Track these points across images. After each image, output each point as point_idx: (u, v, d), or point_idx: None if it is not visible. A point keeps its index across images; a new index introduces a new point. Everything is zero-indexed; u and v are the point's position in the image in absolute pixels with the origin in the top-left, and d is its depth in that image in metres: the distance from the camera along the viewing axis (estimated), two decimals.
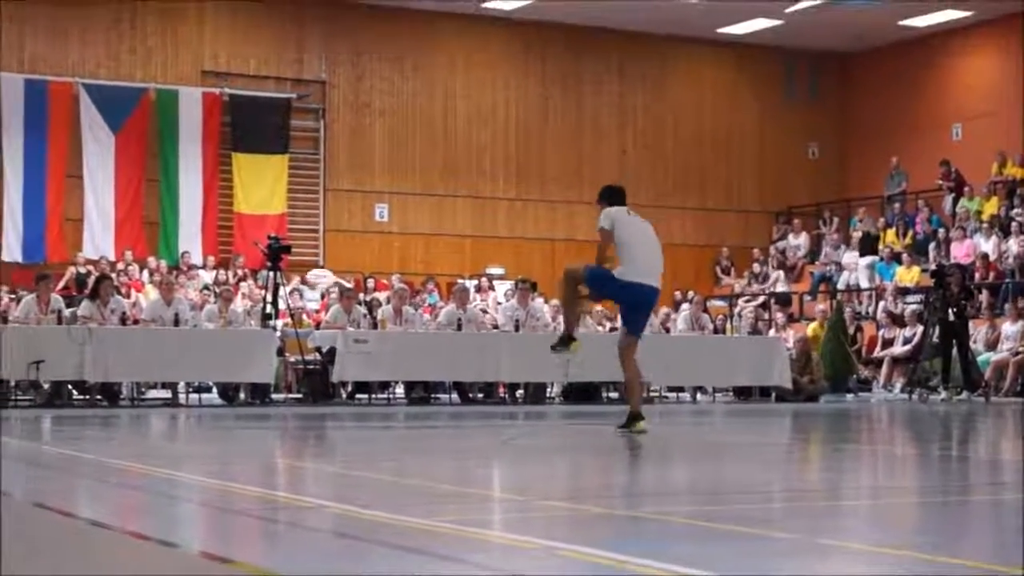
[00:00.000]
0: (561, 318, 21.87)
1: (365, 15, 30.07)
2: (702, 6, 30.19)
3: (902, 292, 27.41)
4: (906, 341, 25.11)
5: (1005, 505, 6.90)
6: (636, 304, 12.34)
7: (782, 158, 33.99)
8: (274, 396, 20.07)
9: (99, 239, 27.31)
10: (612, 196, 12.45)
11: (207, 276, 26.74)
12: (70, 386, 18.84)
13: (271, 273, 20.32)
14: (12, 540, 5.31)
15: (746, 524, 5.85)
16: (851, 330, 26.08)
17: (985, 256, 26.99)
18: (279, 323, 20.68)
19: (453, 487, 7.80)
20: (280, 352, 20.07)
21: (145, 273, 26.53)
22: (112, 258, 26.62)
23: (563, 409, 19.28)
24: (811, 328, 25.73)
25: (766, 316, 28.51)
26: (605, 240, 12.12)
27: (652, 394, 21.77)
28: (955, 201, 29.86)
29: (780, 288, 30.86)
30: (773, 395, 22.07)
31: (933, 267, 24.39)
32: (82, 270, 25.77)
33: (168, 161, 28.07)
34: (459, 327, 20.25)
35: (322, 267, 28.95)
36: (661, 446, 11.27)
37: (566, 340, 12.49)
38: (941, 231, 29.04)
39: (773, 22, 31.47)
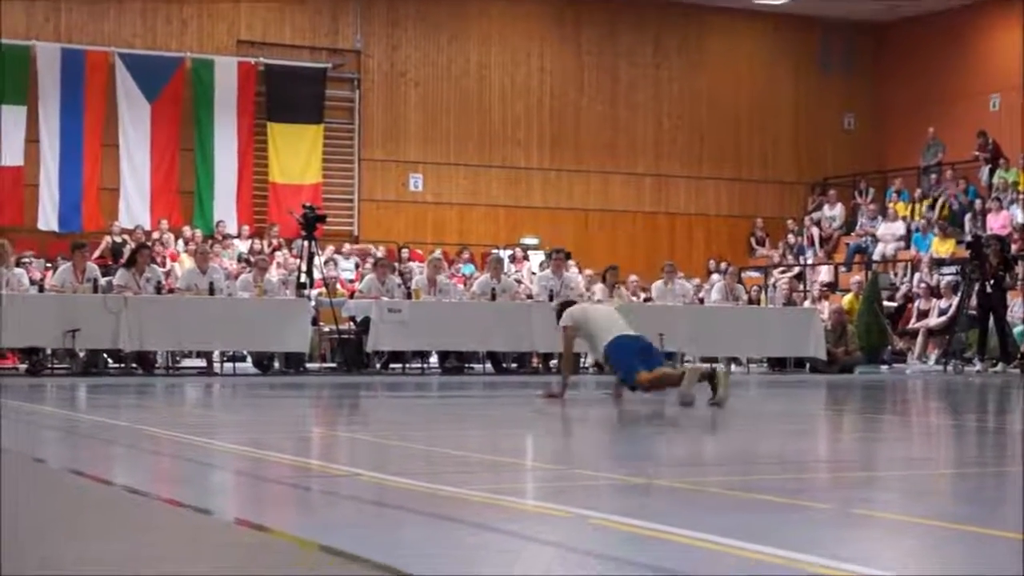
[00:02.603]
0: (594, 288, 21.90)
1: None
2: None
3: (937, 263, 27.29)
4: (941, 312, 25.01)
5: None
6: (636, 347, 12.58)
7: (817, 129, 33.84)
8: (308, 365, 20.14)
9: (135, 208, 27.39)
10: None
11: (242, 245, 26.80)
12: (106, 355, 18.94)
13: (306, 242, 20.36)
14: (49, 507, 5.34)
15: (781, 495, 5.84)
16: (900, 302, 26.11)
17: (1022, 227, 26.83)
18: (314, 292, 20.72)
19: (486, 456, 7.81)
20: (314, 321, 20.12)
21: (180, 242, 26.60)
22: (148, 227, 26.69)
23: (597, 379, 19.27)
24: (846, 300, 25.66)
25: (800, 287, 28.45)
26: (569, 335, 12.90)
27: (687, 364, 21.76)
28: (991, 172, 29.68)
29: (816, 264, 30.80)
30: (807, 366, 22.03)
31: (969, 238, 24.25)
32: (118, 239, 25.85)
33: (203, 131, 28.12)
34: (493, 297, 20.25)
35: (356, 236, 29.00)
36: (695, 416, 11.25)
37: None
38: (977, 202, 28.88)
39: None
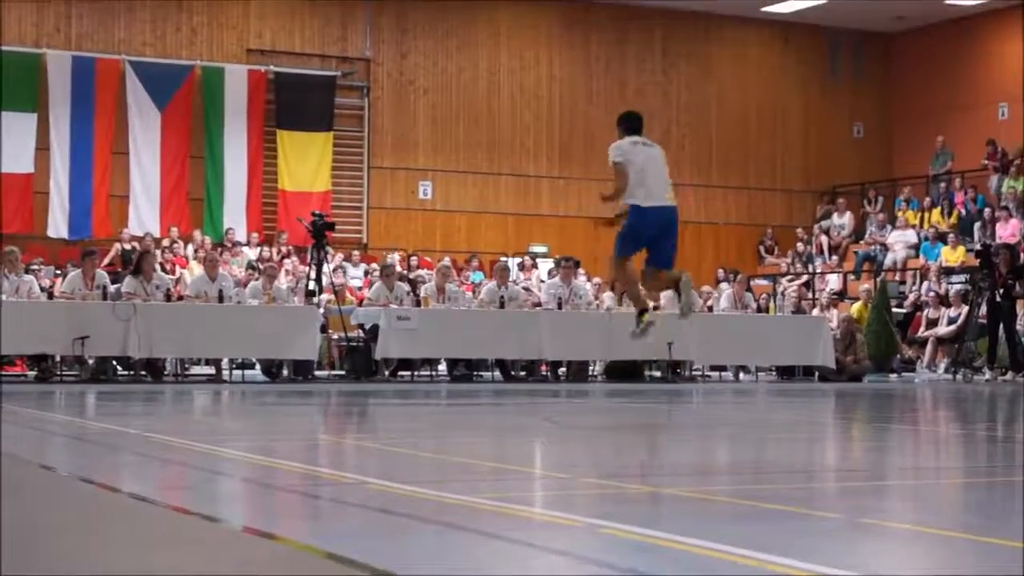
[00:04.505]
0: (603, 296, 21.93)
1: None
2: None
3: (946, 272, 27.26)
4: (951, 321, 24.97)
5: None
6: (658, 226, 12.33)
7: (827, 137, 33.83)
8: (317, 373, 20.14)
9: (144, 216, 27.42)
10: (629, 123, 12.76)
11: (251, 253, 26.81)
12: (115, 362, 18.95)
13: (315, 250, 20.38)
14: (56, 513, 5.34)
15: (790, 504, 5.84)
16: (909, 310, 26.09)
17: None
18: (324, 297, 20.74)
19: (495, 464, 7.80)
20: (323, 329, 20.13)
21: (190, 249, 26.62)
22: (157, 235, 26.72)
23: (605, 387, 19.29)
24: (855, 308, 25.63)
25: (809, 295, 28.43)
26: (619, 172, 12.26)
27: (695, 372, 21.75)
28: (1001, 181, 29.66)
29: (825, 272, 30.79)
30: (816, 374, 22.01)
31: (978, 247, 24.21)
32: (127, 246, 25.88)
33: (213, 138, 28.15)
34: (502, 305, 20.25)
35: (365, 244, 29.01)
36: (704, 425, 11.26)
37: (639, 316, 12.57)
38: (987, 211, 28.87)
39: (818, 1, 31.27)
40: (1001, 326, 22.03)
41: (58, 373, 18.55)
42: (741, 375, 22.49)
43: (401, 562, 4.24)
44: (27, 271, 20.35)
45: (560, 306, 20.47)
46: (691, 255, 31.66)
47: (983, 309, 22.65)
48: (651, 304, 12.65)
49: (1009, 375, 21.82)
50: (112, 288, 19.04)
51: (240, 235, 27.69)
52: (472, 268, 27.74)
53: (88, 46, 27.47)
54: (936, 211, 30.39)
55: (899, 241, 29.96)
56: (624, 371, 20.87)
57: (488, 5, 30.79)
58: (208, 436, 9.80)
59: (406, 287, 21.02)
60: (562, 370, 20.94)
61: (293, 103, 28.67)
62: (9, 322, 17.04)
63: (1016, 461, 8.53)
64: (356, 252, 28.00)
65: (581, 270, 24.78)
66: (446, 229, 30.35)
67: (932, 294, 26.02)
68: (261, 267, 22.79)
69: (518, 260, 27.94)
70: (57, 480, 6.74)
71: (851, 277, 30.11)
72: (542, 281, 25.57)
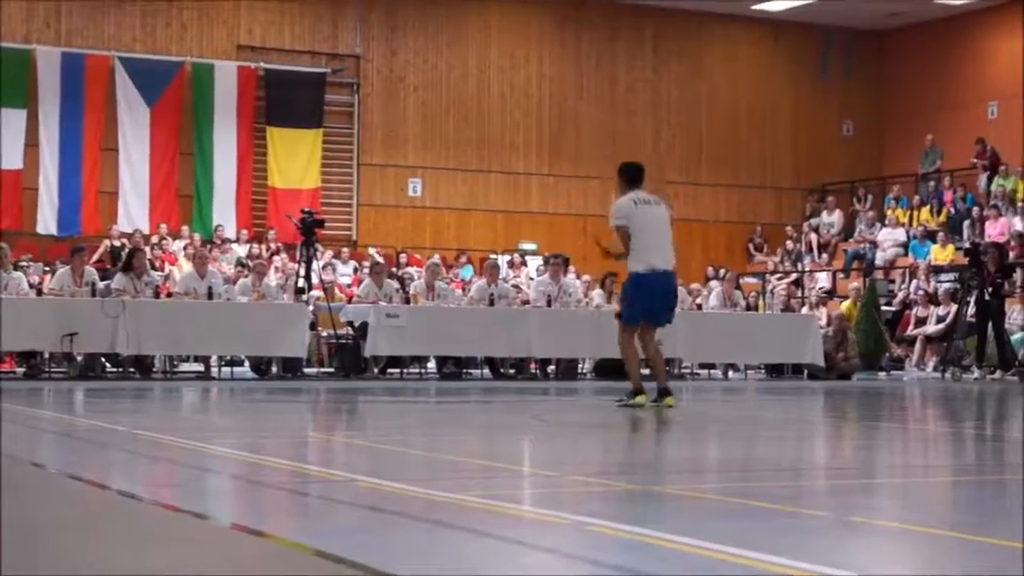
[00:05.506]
0: (592, 294, 21.93)
1: None
2: None
3: (935, 271, 27.29)
4: (939, 320, 25.00)
5: None
6: (659, 293, 12.48)
7: (817, 135, 33.86)
8: (306, 370, 20.12)
9: (134, 212, 27.41)
10: (630, 174, 12.79)
11: (240, 250, 26.79)
12: (103, 359, 18.93)
13: (304, 247, 20.37)
14: (45, 511, 5.33)
15: (779, 502, 5.84)
16: (898, 308, 26.12)
17: (1020, 235, 26.83)
18: (314, 293, 20.72)
19: (484, 462, 7.80)
20: (312, 326, 20.11)
21: (179, 245, 26.58)
22: (146, 231, 26.69)
23: (595, 385, 19.27)
24: (844, 306, 25.66)
25: (799, 293, 28.46)
26: (622, 235, 12.40)
27: (684, 370, 21.76)
28: (990, 180, 29.70)
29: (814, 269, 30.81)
30: (805, 372, 22.03)
31: (967, 245, 24.24)
32: (116, 243, 25.85)
33: (203, 135, 28.13)
34: (491, 302, 20.25)
35: (354, 241, 28.99)
36: (693, 423, 11.26)
37: (633, 394, 12.63)
38: (976, 209, 28.91)
39: None
40: (990, 324, 22.07)
41: (47, 370, 18.53)
42: (730, 373, 22.50)
43: (390, 559, 4.24)
44: (16, 268, 20.32)
45: (549, 303, 20.46)
46: (680, 253, 31.48)
47: (972, 308, 22.68)
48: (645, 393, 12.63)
49: (997, 374, 21.85)
50: (101, 285, 19.01)
51: (229, 232, 27.68)
52: (461, 264, 27.74)
53: (78, 42, 27.44)
54: (925, 209, 30.43)
55: (888, 239, 30.02)
56: (613, 369, 20.79)
57: (478, 2, 30.79)
58: (197, 433, 9.79)
59: (395, 284, 21.02)
60: (551, 368, 20.93)
61: (283, 99, 28.66)
62: None
63: (1004, 459, 8.54)
64: (345, 249, 27.97)
65: (570, 267, 24.77)
66: (435, 226, 30.35)
67: (921, 292, 26.05)
68: (250, 264, 22.76)
69: (507, 257, 27.94)
70: (46, 477, 6.72)
71: (840, 275, 30.15)
72: (531, 278, 25.58)
